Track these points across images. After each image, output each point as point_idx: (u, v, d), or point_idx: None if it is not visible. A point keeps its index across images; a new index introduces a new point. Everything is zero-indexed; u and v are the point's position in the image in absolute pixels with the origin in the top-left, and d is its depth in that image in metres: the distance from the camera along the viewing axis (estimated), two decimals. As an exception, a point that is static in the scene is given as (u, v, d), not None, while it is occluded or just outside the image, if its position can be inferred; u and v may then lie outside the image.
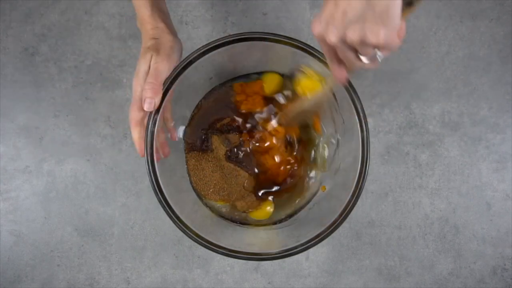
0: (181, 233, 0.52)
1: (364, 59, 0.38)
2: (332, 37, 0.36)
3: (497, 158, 0.71)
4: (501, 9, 0.71)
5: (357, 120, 0.54)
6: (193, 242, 0.52)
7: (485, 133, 0.71)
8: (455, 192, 0.71)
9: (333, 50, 0.40)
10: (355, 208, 0.53)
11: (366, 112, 0.54)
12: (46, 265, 0.70)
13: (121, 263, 0.70)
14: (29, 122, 0.71)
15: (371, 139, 0.70)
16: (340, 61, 0.42)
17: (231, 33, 0.55)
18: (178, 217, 0.53)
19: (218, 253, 0.53)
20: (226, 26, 0.72)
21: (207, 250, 0.53)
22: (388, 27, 0.33)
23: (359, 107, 0.54)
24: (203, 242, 0.53)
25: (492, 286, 0.70)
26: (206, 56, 0.53)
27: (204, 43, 0.52)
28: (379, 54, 0.37)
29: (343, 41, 0.36)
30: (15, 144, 0.71)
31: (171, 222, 0.53)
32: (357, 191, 0.54)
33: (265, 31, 0.52)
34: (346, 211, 0.54)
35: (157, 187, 0.53)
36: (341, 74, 0.44)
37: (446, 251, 0.70)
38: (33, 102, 0.71)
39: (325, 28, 0.37)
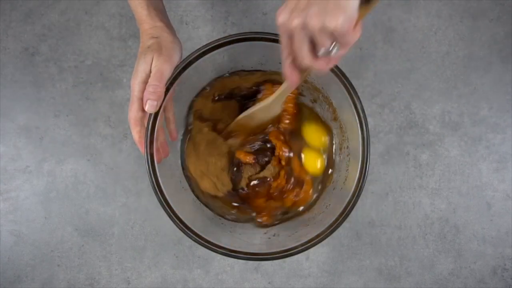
0: (181, 233, 0.52)
1: (320, 52, 0.39)
2: (295, 21, 0.38)
3: (497, 158, 0.71)
4: (501, 9, 0.71)
5: (357, 120, 0.54)
6: (193, 242, 0.52)
7: (485, 133, 0.71)
8: (455, 192, 0.71)
9: (291, 43, 0.41)
10: (355, 208, 0.53)
11: (366, 112, 0.54)
12: (46, 265, 0.70)
13: (121, 263, 0.70)
14: (29, 122, 0.71)
15: (371, 139, 0.70)
16: (295, 60, 0.43)
17: (231, 33, 0.55)
18: (178, 217, 0.53)
19: (218, 253, 0.53)
20: (226, 26, 0.72)
21: (207, 250, 0.53)
22: (346, 14, 0.36)
23: (359, 107, 0.54)
24: (203, 242, 0.53)
25: (492, 286, 0.70)
26: (206, 56, 0.53)
27: (204, 43, 0.52)
28: (335, 49, 0.39)
29: (304, 26, 0.38)
30: (15, 144, 0.71)
31: (171, 222, 0.53)
32: (357, 191, 0.54)
33: (265, 31, 0.52)
34: (346, 211, 0.54)
35: (157, 187, 0.53)
36: (292, 73, 0.44)
37: (446, 251, 0.70)
38: (33, 102, 0.71)
39: (289, 15, 0.39)
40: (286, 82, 0.49)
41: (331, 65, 0.41)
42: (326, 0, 0.36)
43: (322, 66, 0.41)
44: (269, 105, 0.56)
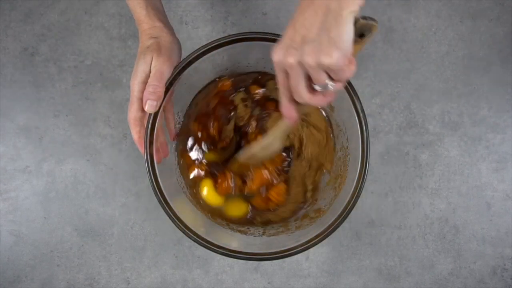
0: (181, 233, 0.52)
1: (317, 87, 0.40)
2: (291, 59, 0.38)
3: (497, 158, 0.71)
4: (501, 9, 0.71)
5: (357, 120, 0.54)
6: (193, 242, 0.52)
7: (485, 133, 0.71)
8: (455, 192, 0.71)
9: (287, 79, 0.41)
10: (355, 208, 0.53)
11: (366, 112, 0.54)
12: (46, 265, 0.70)
13: (121, 263, 0.70)
14: (29, 122, 0.71)
15: (371, 139, 0.70)
16: (292, 98, 0.43)
17: (231, 33, 0.55)
18: (178, 217, 0.53)
19: (218, 253, 0.53)
20: (226, 26, 0.72)
21: (206, 250, 0.53)
22: (340, 50, 0.36)
23: (359, 107, 0.54)
24: (203, 242, 0.53)
25: (492, 286, 0.70)
26: (206, 56, 0.53)
27: (204, 43, 0.52)
28: (331, 84, 0.39)
29: (300, 64, 0.38)
30: (15, 144, 0.71)
31: (171, 222, 0.53)
32: (357, 191, 0.54)
33: (265, 31, 0.52)
34: (346, 211, 0.54)
35: (157, 187, 0.53)
36: (290, 110, 0.45)
37: (446, 251, 0.70)
38: (33, 102, 0.71)
39: (285, 52, 0.39)
40: (284, 119, 0.49)
41: (328, 101, 0.41)
42: (320, 36, 0.36)
43: (319, 101, 0.41)
44: (269, 144, 0.55)
